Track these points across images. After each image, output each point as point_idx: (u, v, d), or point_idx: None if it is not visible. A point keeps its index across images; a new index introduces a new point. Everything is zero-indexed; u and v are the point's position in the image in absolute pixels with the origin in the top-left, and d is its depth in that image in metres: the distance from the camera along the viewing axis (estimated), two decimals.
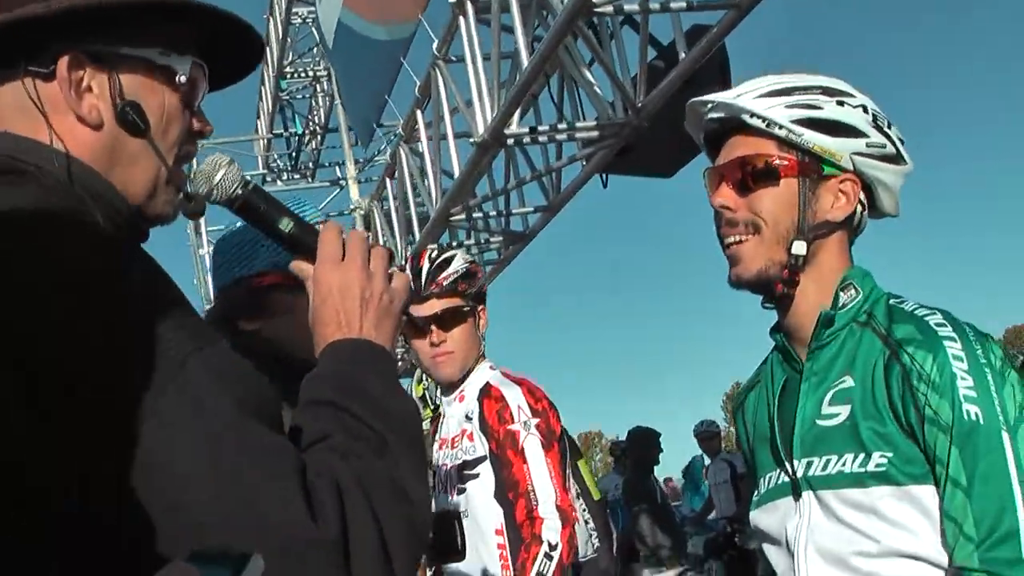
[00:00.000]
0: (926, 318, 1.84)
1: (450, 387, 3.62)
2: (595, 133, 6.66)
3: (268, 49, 15.79)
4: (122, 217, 1.33)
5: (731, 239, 1.95)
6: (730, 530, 10.14)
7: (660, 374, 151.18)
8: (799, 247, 1.91)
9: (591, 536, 5.74)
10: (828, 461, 1.86)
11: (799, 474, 1.91)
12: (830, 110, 1.92)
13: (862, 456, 1.81)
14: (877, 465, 1.80)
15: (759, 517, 2.04)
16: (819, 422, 1.89)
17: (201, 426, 1.09)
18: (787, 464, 1.94)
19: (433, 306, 3.47)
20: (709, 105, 1.99)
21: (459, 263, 3.53)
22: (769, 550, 2.03)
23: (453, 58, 7.27)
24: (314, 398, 1.32)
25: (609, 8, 5.24)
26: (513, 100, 6.03)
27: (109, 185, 1.33)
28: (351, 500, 1.14)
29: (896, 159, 1.96)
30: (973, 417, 1.73)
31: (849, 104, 1.94)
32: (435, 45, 7.30)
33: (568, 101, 7.01)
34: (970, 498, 1.72)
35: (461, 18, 6.66)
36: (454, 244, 9.15)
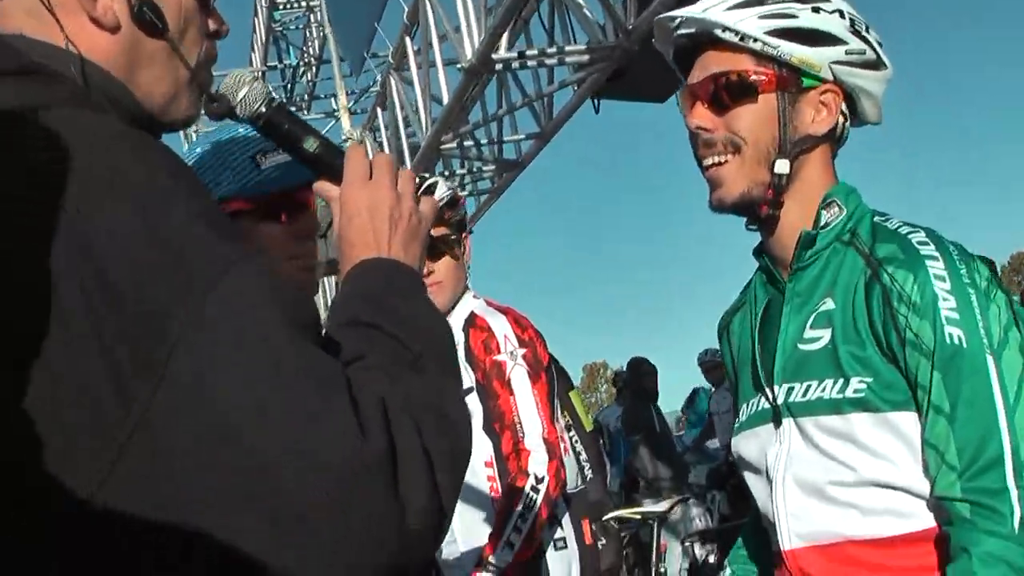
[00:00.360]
0: (909, 236, 1.75)
1: None
2: (585, 57, 6.54)
3: None
4: (138, 123, 1.25)
5: (710, 160, 1.84)
6: (732, 459, 10.06)
7: (666, 305, 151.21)
8: (782, 166, 1.81)
9: (584, 468, 5.72)
10: (808, 387, 1.78)
11: (779, 400, 1.83)
12: (805, 18, 1.81)
13: (841, 381, 1.73)
14: (855, 391, 1.71)
15: (740, 444, 1.97)
16: (800, 346, 1.81)
17: (251, 351, 1.03)
18: (767, 390, 1.87)
19: None
20: (677, 20, 1.87)
21: (442, 190, 3.42)
22: (750, 478, 1.95)
23: None
24: (347, 318, 1.27)
25: None
26: (500, 24, 5.90)
27: (126, 90, 1.26)
28: (397, 419, 1.09)
29: (876, 64, 1.86)
30: (956, 340, 1.64)
31: (824, 10, 1.82)
32: None
33: (559, 25, 6.89)
34: (952, 425, 1.64)
35: None
36: (446, 173, 9.09)
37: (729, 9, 1.82)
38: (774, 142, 1.81)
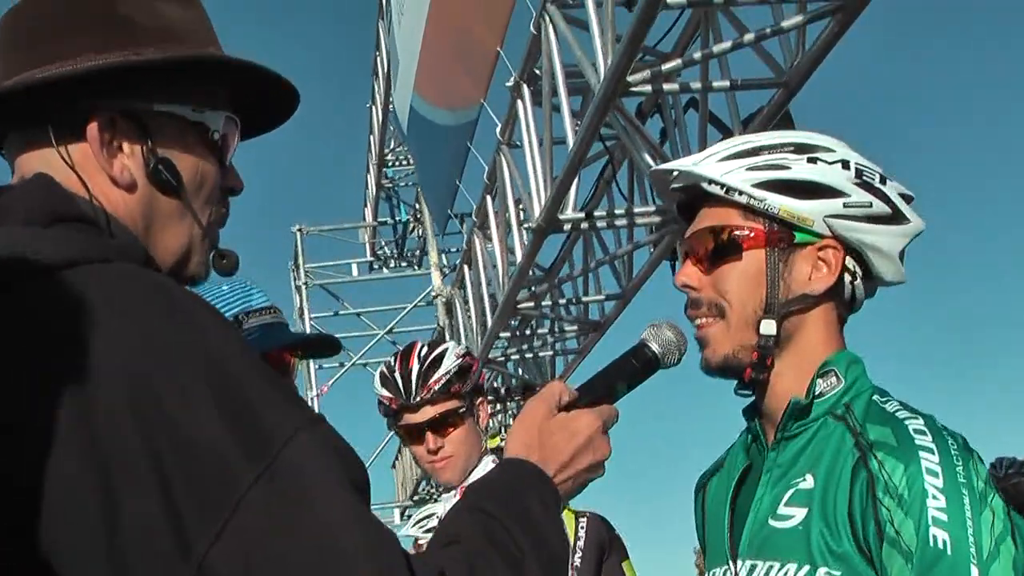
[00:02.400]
0: (906, 421, 1.58)
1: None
2: (656, 218, 6.43)
3: (372, 137, 16.02)
4: None
5: (697, 321, 1.73)
6: None
7: None
8: (767, 326, 1.68)
9: None
10: (771, 568, 1.62)
11: None
12: (798, 169, 1.68)
13: (807, 568, 1.57)
14: None
15: None
16: (772, 522, 1.65)
17: (316, 506, 1.03)
18: (730, 564, 1.71)
19: (426, 413, 3.20)
20: (673, 174, 1.78)
21: (450, 361, 3.27)
22: None
23: (517, 143, 7.10)
24: (474, 503, 1.29)
25: (648, 88, 5.02)
26: (563, 184, 5.83)
27: (142, 248, 1.26)
28: None
29: (890, 219, 1.70)
30: (940, 544, 1.46)
31: (824, 160, 1.69)
32: (497, 130, 7.17)
33: (637, 186, 6.82)
34: None
35: (519, 101, 6.51)
36: (527, 332, 9.01)
37: (720, 160, 1.71)
38: (761, 303, 1.68)
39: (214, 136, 1.32)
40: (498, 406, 10.76)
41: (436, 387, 3.17)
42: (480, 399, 3.37)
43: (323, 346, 2.75)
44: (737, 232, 1.69)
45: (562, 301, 8.37)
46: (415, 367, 3.24)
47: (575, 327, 8.79)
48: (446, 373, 3.20)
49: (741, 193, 1.67)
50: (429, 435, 3.20)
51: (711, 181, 1.69)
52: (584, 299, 8.30)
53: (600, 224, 6.62)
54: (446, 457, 3.22)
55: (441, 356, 3.25)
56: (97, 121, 1.23)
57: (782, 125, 5.48)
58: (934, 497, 1.48)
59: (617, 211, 6.56)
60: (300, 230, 16.59)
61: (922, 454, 1.52)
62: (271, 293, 2.41)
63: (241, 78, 1.35)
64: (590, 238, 7.95)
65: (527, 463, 1.39)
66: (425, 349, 3.31)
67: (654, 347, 1.57)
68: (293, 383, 2.41)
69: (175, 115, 1.29)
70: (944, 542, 1.46)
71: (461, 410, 3.22)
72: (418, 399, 3.17)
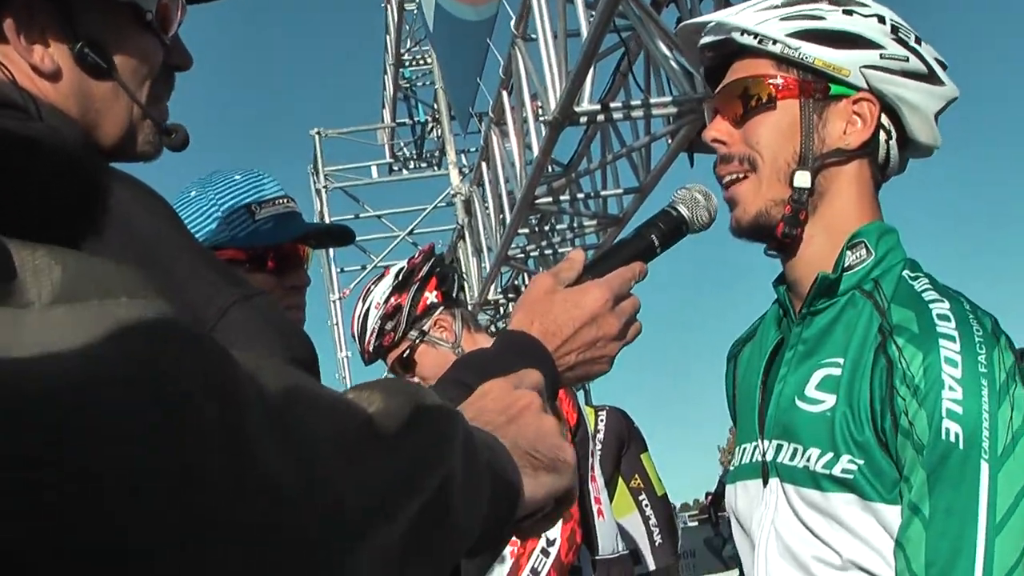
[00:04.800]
0: (931, 304, 1.52)
1: None
2: (673, 109, 6.40)
3: (388, 37, 15.89)
4: (82, 167, 1.19)
5: (727, 178, 1.67)
6: None
7: None
8: (802, 178, 1.61)
9: (652, 532, 5.52)
10: (795, 450, 1.59)
11: (768, 457, 1.65)
12: (833, 19, 1.63)
13: (830, 456, 1.53)
14: (844, 470, 1.51)
15: (732, 494, 1.79)
16: (799, 403, 1.60)
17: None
18: (759, 441, 1.69)
19: (383, 365, 3.31)
20: (703, 28, 1.73)
21: (373, 321, 3.28)
22: (737, 535, 1.77)
23: (532, 36, 7.05)
24: (449, 375, 1.25)
25: None
26: (577, 76, 5.81)
27: (78, 129, 1.23)
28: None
29: (926, 77, 1.65)
30: (952, 438, 1.41)
31: (859, 13, 1.64)
32: (512, 23, 7.11)
33: (654, 77, 6.77)
34: (927, 531, 1.42)
35: None
36: (546, 228, 9.03)
37: (754, 12, 1.66)
38: (795, 155, 1.63)
39: (147, 16, 1.27)
40: None
41: (370, 348, 3.25)
42: (428, 320, 3.34)
43: (336, 236, 2.68)
44: (771, 81, 1.63)
45: (580, 196, 8.35)
46: (356, 331, 3.31)
47: (594, 222, 8.79)
48: (372, 333, 3.24)
49: (775, 42, 1.63)
50: (400, 373, 3.28)
51: (744, 31, 1.65)
52: (603, 193, 8.29)
53: (617, 116, 6.59)
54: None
55: (364, 316, 3.28)
56: (10, 9, 1.18)
57: None
58: (951, 388, 1.43)
59: (634, 103, 6.52)
60: (319, 133, 16.54)
61: (942, 342, 1.46)
62: (292, 197, 2.38)
63: None
64: (607, 132, 7.93)
65: (524, 334, 1.32)
66: (359, 307, 3.34)
67: (682, 209, 1.49)
68: (306, 274, 2.40)
69: None
70: (957, 435, 1.41)
71: (406, 353, 3.26)
72: (369, 360, 3.28)
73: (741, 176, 1.66)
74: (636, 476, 5.47)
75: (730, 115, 1.68)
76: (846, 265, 1.62)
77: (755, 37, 1.65)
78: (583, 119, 6.39)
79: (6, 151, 1.05)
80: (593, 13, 5.52)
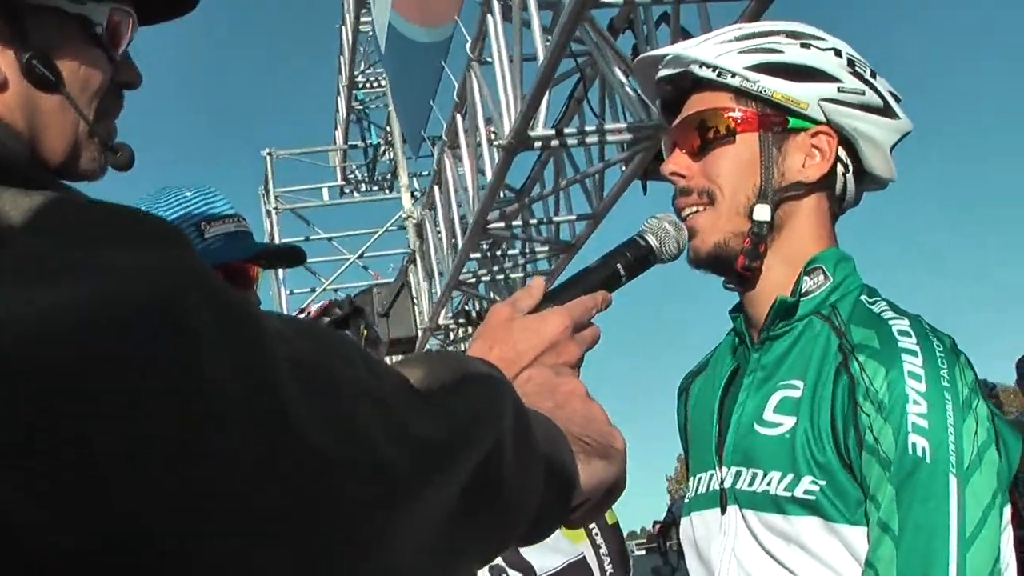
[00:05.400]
0: (890, 322, 1.53)
1: None
2: (627, 136, 6.37)
3: (342, 59, 15.81)
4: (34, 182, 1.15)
5: (686, 211, 1.67)
6: None
7: None
8: (762, 211, 1.62)
9: (603, 561, 5.45)
10: (755, 476, 1.57)
11: (727, 484, 1.63)
12: (792, 53, 1.64)
13: (790, 478, 1.52)
14: (806, 491, 1.50)
15: (688, 526, 1.76)
16: (758, 427, 1.60)
17: None
18: (717, 469, 1.67)
19: None
20: (661, 60, 1.72)
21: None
22: (693, 564, 1.75)
23: (488, 60, 7.00)
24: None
25: (618, 0, 4.93)
26: (532, 100, 5.76)
27: (23, 146, 1.19)
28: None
29: (882, 111, 1.66)
30: (919, 452, 1.41)
31: (816, 47, 1.65)
32: (468, 45, 7.06)
33: (609, 103, 6.75)
34: (898, 549, 1.41)
35: (488, 16, 6.41)
36: (498, 254, 8.98)
37: (713, 45, 1.67)
38: (755, 189, 1.62)
39: (97, 30, 1.24)
40: (469, 329, 10.77)
41: None
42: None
43: (288, 257, 2.61)
44: (730, 115, 1.64)
45: (533, 221, 8.31)
46: None
47: (546, 248, 8.75)
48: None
49: (734, 75, 1.63)
50: None
51: (703, 64, 1.65)
52: (555, 219, 8.25)
53: (571, 142, 6.54)
54: None
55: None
56: None
57: None
58: (915, 402, 1.43)
59: (588, 128, 6.49)
60: (270, 154, 16.39)
61: (905, 357, 1.46)
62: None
63: None
64: (561, 157, 7.90)
65: (482, 361, 1.29)
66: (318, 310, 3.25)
67: (651, 239, 1.47)
68: (255, 295, 2.34)
69: (51, 7, 1.20)
70: (923, 450, 1.41)
71: None
72: None
73: (700, 209, 1.65)
74: None
75: (688, 148, 1.67)
76: (804, 290, 1.63)
77: (714, 70, 1.64)
78: (537, 144, 6.35)
79: None
80: (549, 38, 5.48)
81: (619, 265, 1.42)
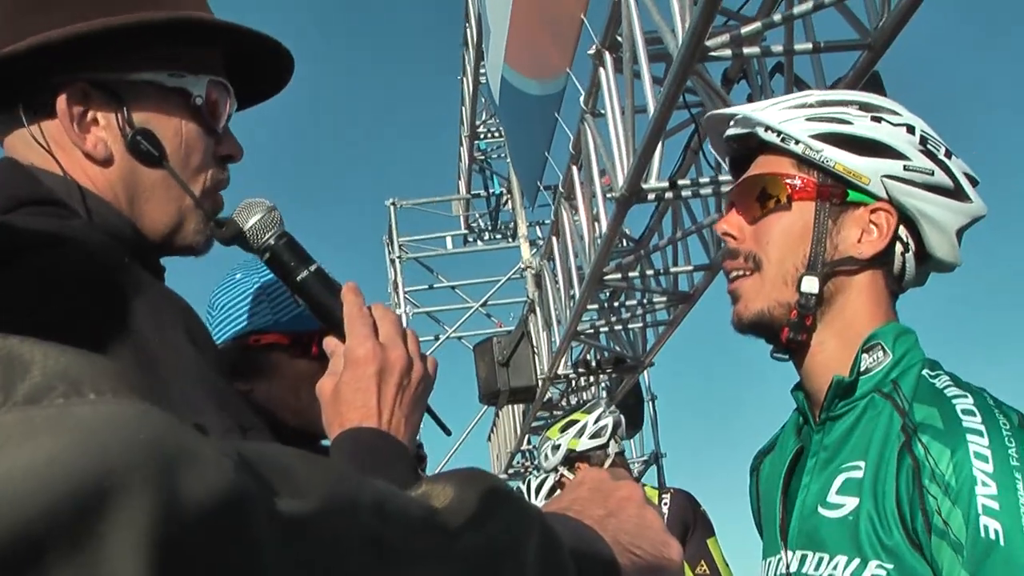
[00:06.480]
0: (954, 400, 1.47)
1: None
2: None
3: (463, 109, 16.00)
4: (142, 254, 1.22)
5: (732, 273, 1.66)
6: None
7: None
8: (810, 283, 1.59)
9: None
10: (821, 560, 1.53)
11: (792, 569, 1.59)
12: (860, 125, 1.60)
13: (856, 563, 1.47)
14: None
15: None
16: (822, 511, 1.56)
17: None
18: (783, 553, 1.63)
19: None
20: (730, 121, 1.71)
21: None
22: None
23: (601, 112, 7.00)
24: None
25: (727, 52, 4.89)
26: (644, 152, 5.72)
27: (127, 222, 1.23)
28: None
29: (951, 193, 1.60)
30: (992, 535, 1.35)
31: (889, 121, 1.61)
32: (581, 98, 7.07)
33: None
34: None
35: (600, 69, 6.41)
36: (616, 305, 8.94)
37: (782, 110, 1.64)
38: (804, 260, 1.59)
39: (196, 101, 1.27)
40: (590, 379, 10.71)
41: None
42: None
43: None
44: (788, 181, 1.61)
45: (650, 272, 8.26)
46: None
47: (664, 298, 8.68)
48: None
49: (797, 142, 1.60)
50: None
51: (768, 128, 1.63)
52: (673, 270, 8.18)
53: (685, 193, 6.50)
54: None
55: None
56: (65, 95, 1.20)
57: (870, 88, 5.31)
58: (984, 484, 1.37)
59: (703, 180, 6.43)
60: (394, 204, 16.64)
61: (970, 437, 1.41)
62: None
63: (230, 42, 1.30)
64: (678, 208, 7.85)
65: (361, 431, 1.28)
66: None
67: (253, 233, 1.40)
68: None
69: (151, 83, 1.24)
70: (996, 532, 1.35)
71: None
72: None
73: (745, 273, 1.63)
74: (702, 562, 5.31)
75: (745, 210, 1.66)
76: (863, 368, 1.59)
77: (778, 135, 1.62)
78: (651, 196, 6.30)
79: (26, 248, 1.03)
80: (660, 89, 5.45)
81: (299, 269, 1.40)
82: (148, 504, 0.45)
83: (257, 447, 0.59)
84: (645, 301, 8.90)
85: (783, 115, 1.63)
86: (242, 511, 0.50)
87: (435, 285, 16.92)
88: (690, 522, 5.35)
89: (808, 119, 1.61)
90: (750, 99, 6.09)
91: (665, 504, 5.33)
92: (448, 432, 1.50)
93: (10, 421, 0.45)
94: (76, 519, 0.43)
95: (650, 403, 10.99)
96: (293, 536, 0.54)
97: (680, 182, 6.31)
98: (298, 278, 1.39)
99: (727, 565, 5.36)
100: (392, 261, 16.65)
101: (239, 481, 0.50)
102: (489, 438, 16.56)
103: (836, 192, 1.60)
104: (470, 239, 17.51)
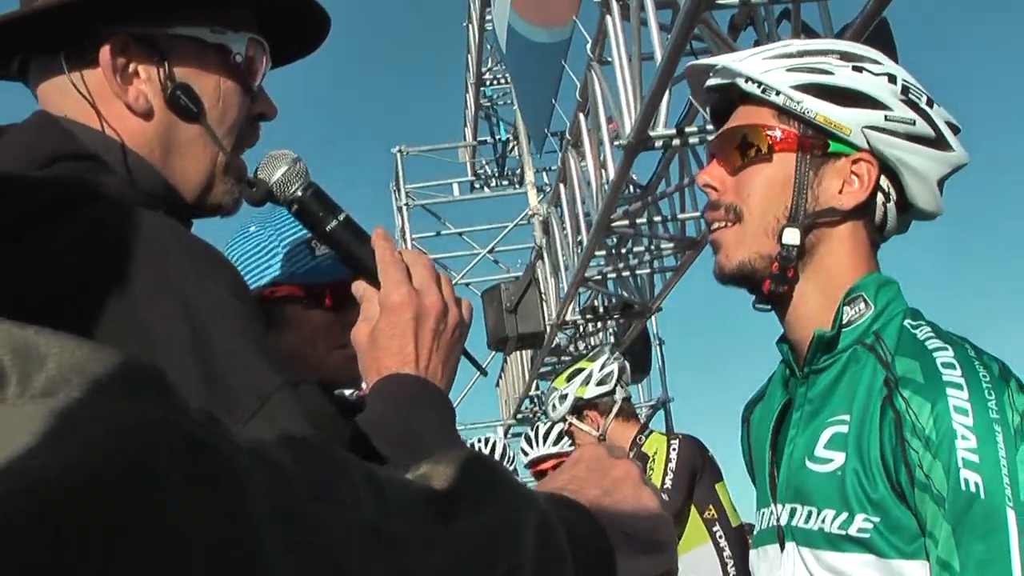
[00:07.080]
0: (934, 353, 1.47)
1: None
2: None
3: (469, 56, 15.92)
4: (174, 212, 1.22)
5: (714, 225, 1.64)
6: None
7: None
8: (791, 235, 1.57)
9: (727, 564, 5.42)
10: (809, 513, 1.55)
11: (783, 521, 1.61)
12: (842, 75, 1.59)
13: (844, 516, 1.49)
14: (859, 529, 1.47)
15: (755, 560, 1.75)
16: (809, 464, 1.57)
17: None
18: (773, 505, 1.65)
19: None
20: (710, 69, 1.70)
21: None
22: None
23: (608, 59, 7.00)
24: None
25: None
26: (652, 100, 5.74)
27: (162, 178, 1.23)
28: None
29: (932, 142, 1.60)
30: (972, 487, 1.37)
31: (870, 71, 1.59)
32: (588, 46, 7.07)
33: None
34: None
35: (607, 17, 6.41)
36: (624, 251, 8.97)
37: (763, 59, 1.63)
38: (785, 211, 1.58)
39: (236, 59, 1.27)
40: (597, 324, 10.77)
41: None
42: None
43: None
44: (769, 132, 1.59)
45: (658, 218, 8.28)
46: None
47: (671, 244, 8.71)
48: None
49: (778, 93, 1.59)
50: None
51: (748, 78, 1.61)
52: (680, 216, 8.22)
53: (692, 140, 6.49)
54: None
55: None
56: (109, 45, 1.20)
57: (878, 35, 5.31)
58: (964, 437, 1.38)
59: (710, 127, 6.44)
60: (400, 151, 16.63)
61: (949, 391, 1.41)
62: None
63: (266, 1, 1.30)
64: (685, 155, 7.86)
65: (395, 377, 1.29)
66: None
67: (279, 186, 1.41)
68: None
69: (192, 37, 1.24)
70: (977, 485, 1.36)
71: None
72: None
73: (726, 224, 1.62)
74: (710, 506, 5.37)
75: (726, 161, 1.65)
76: (845, 320, 1.59)
77: (759, 86, 1.61)
78: (658, 143, 6.32)
79: (59, 205, 1.05)
80: (668, 36, 5.46)
81: (330, 220, 1.41)
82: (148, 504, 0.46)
83: (260, 439, 0.58)
84: (652, 247, 8.94)
85: (764, 65, 1.61)
86: (242, 494, 0.50)
87: (442, 232, 16.94)
88: (698, 467, 5.39)
89: (789, 69, 1.60)
90: (756, 44, 6.09)
91: (674, 449, 5.38)
92: (484, 373, 1.51)
93: (29, 413, 0.46)
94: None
95: (657, 348, 11.04)
96: (292, 523, 0.54)
97: (688, 129, 6.33)
98: (328, 228, 1.40)
99: (735, 510, 5.43)
100: (399, 208, 16.65)
101: (245, 466, 0.51)
102: (497, 384, 16.66)
103: (817, 143, 1.59)
104: (477, 186, 17.50)
